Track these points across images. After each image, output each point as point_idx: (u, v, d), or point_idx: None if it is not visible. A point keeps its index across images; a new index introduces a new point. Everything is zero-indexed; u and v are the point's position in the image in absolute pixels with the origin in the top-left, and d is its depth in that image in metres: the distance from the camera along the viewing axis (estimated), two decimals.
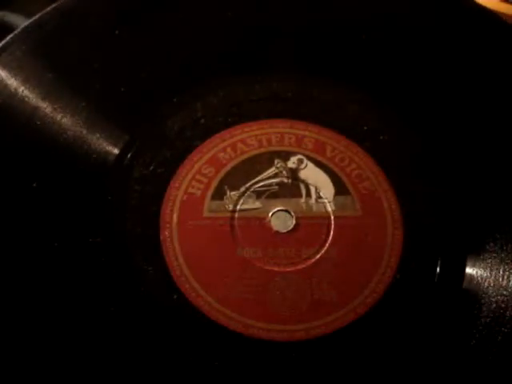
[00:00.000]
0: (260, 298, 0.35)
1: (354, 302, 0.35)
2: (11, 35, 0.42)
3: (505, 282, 0.34)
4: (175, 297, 0.35)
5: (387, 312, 0.35)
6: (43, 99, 0.39)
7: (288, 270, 0.36)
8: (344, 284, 0.35)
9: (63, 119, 0.38)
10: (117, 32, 0.42)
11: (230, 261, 0.36)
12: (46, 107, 0.39)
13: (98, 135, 0.38)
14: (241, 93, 0.41)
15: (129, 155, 0.38)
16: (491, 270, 0.35)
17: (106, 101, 0.40)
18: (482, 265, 0.35)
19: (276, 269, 0.36)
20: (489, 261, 0.35)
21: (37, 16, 0.42)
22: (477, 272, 0.35)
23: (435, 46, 0.42)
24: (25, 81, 0.39)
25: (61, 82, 0.40)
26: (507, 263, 0.35)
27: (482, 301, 0.34)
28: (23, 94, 0.39)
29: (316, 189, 0.38)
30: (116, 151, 0.38)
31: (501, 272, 0.34)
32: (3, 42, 0.41)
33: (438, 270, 0.35)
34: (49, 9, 0.43)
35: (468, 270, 0.35)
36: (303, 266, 0.36)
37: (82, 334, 0.33)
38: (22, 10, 0.52)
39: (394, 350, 0.34)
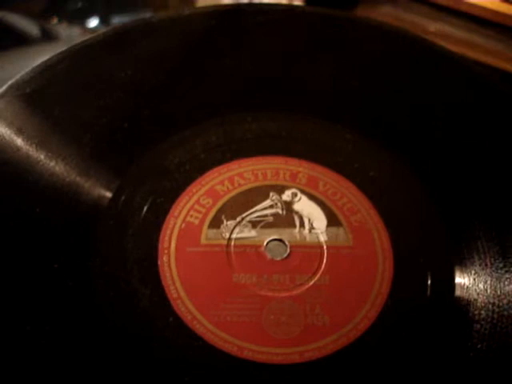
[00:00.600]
0: (255, 322, 0.35)
1: (346, 326, 0.35)
2: (7, 85, 0.43)
3: (493, 289, 0.36)
4: (171, 319, 0.35)
5: (379, 337, 0.35)
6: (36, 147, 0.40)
7: (282, 295, 0.36)
8: (336, 309, 0.36)
9: (56, 167, 0.40)
10: (123, 74, 0.45)
11: (226, 286, 0.36)
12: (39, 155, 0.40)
13: (102, 163, 0.40)
14: (238, 131, 0.43)
15: (131, 186, 0.40)
16: (478, 278, 0.36)
17: (108, 135, 0.42)
18: (469, 275, 0.36)
19: (271, 294, 0.36)
20: (475, 270, 0.36)
21: (33, 66, 0.44)
22: (465, 283, 0.36)
23: (425, 86, 0.45)
24: (19, 129, 0.41)
25: (55, 129, 0.41)
26: (494, 271, 0.36)
27: (475, 314, 0.35)
28: (17, 143, 0.40)
29: (309, 220, 0.39)
30: (118, 182, 0.40)
31: (489, 280, 0.36)
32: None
33: (428, 292, 0.36)
34: (48, 57, 0.45)
35: (457, 281, 0.36)
36: (297, 291, 0.37)
37: (76, 355, 0.34)
38: (21, 10, 0.54)
39: (386, 373, 0.34)
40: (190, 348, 0.34)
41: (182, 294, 0.36)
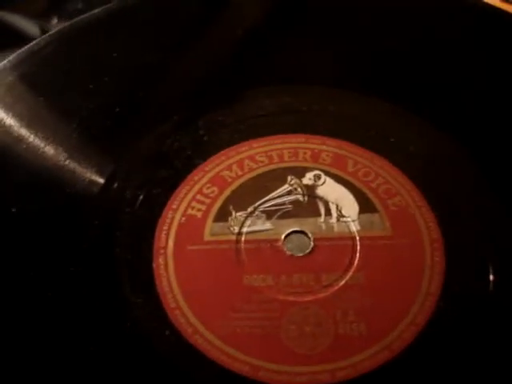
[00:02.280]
0: (272, 335, 0.28)
1: (388, 337, 0.27)
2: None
3: None
4: (168, 333, 0.28)
5: (430, 349, 0.27)
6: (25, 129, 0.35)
7: (306, 299, 0.29)
8: (375, 315, 0.28)
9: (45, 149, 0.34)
10: (115, 55, 0.38)
11: (235, 291, 0.29)
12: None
13: (88, 150, 0.34)
14: (248, 108, 0.36)
15: (121, 175, 0.33)
16: None
17: (99, 119, 0.35)
18: None
19: (291, 299, 0.29)
20: None
21: (31, 44, 0.39)
22: None
23: (461, 47, 0.37)
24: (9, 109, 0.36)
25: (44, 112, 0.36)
26: None
27: None
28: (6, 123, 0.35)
29: (337, 207, 0.32)
30: (107, 171, 0.33)
31: None
32: None
33: (490, 289, 0.28)
34: (44, 36, 0.40)
35: None
36: (324, 294, 0.29)
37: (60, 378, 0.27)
38: (21, 10, 0.50)
39: None
40: (191, 368, 0.27)
41: (182, 302, 0.29)
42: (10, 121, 0.35)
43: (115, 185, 0.33)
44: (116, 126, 0.35)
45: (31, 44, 0.39)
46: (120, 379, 0.27)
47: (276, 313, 0.28)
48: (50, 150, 0.34)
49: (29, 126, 0.35)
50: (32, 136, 0.34)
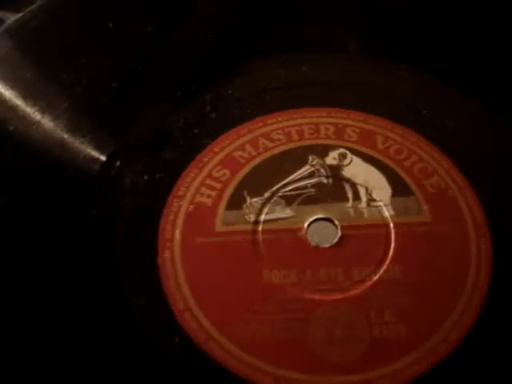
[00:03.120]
0: (298, 339, 0.24)
1: (432, 339, 0.24)
2: None
3: None
4: (177, 340, 0.24)
5: (479, 352, 0.23)
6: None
7: (335, 298, 0.25)
8: (415, 315, 0.24)
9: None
10: (110, 25, 0.34)
11: (253, 289, 0.25)
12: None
13: (82, 136, 0.29)
14: (262, 79, 0.31)
15: (119, 160, 0.29)
16: None
17: (94, 98, 0.31)
18: None
19: (318, 297, 0.25)
20: None
21: (23, 12, 0.35)
22: None
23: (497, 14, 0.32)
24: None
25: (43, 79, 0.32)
26: None
27: None
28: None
29: (367, 190, 0.28)
30: (103, 156, 0.29)
31: None
32: None
33: None
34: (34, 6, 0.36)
35: None
36: (356, 291, 0.25)
37: None
38: (21, 10, 0.46)
39: None
40: (205, 380, 0.23)
41: (192, 303, 0.25)
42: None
43: (113, 171, 0.29)
44: (113, 104, 0.31)
45: (21, 15, 0.35)
46: None
47: (301, 314, 0.24)
48: (39, 130, 0.30)
49: (24, 98, 0.31)
50: (27, 109, 0.30)
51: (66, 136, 0.30)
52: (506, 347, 0.24)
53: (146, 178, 0.28)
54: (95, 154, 0.29)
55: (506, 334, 0.24)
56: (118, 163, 0.29)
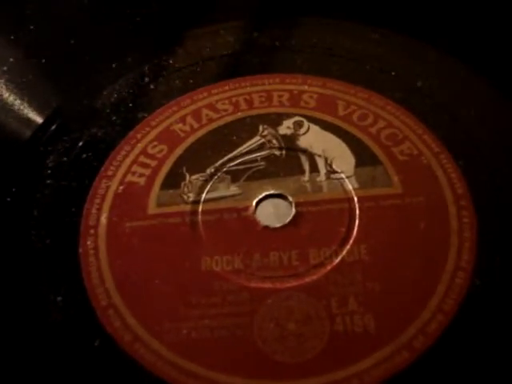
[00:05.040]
0: (241, 337, 0.19)
1: (406, 331, 0.19)
2: None
3: None
4: (97, 343, 0.19)
5: (464, 344, 0.19)
6: None
7: (287, 285, 0.20)
8: (386, 303, 0.19)
9: None
10: None
11: (189, 279, 0.20)
12: None
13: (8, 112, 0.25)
14: (204, 48, 0.27)
15: (43, 139, 0.24)
16: None
17: (22, 72, 0.27)
18: None
19: (267, 286, 0.20)
20: None
21: None
22: None
23: None
24: None
25: None
26: None
27: None
28: None
29: (326, 160, 0.23)
30: (27, 133, 0.24)
31: None
32: None
33: None
34: None
35: None
36: (313, 277, 0.20)
37: None
38: None
39: None
40: None
41: (116, 299, 0.20)
42: None
43: (36, 150, 0.24)
44: (42, 78, 0.27)
45: None
46: None
47: (246, 307, 0.20)
48: None
49: None
50: None
51: None
52: (493, 338, 0.19)
53: (71, 157, 0.24)
54: (18, 131, 0.25)
55: (494, 322, 0.19)
56: (41, 142, 0.24)
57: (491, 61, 0.26)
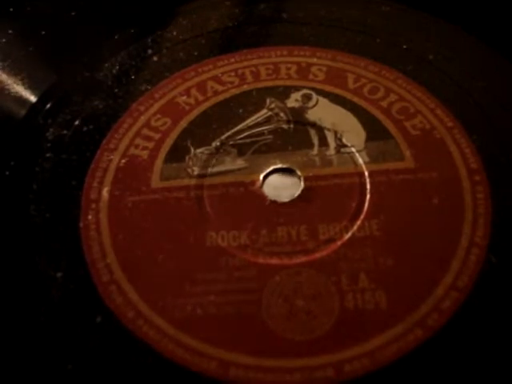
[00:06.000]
0: (249, 315, 0.18)
1: (419, 310, 0.18)
2: None
3: None
4: (99, 320, 0.18)
5: (479, 321, 0.18)
6: None
7: (296, 261, 0.19)
8: (399, 279, 0.19)
9: None
10: None
11: (195, 255, 0.19)
12: None
13: (9, 84, 0.24)
14: (209, 19, 0.26)
15: (43, 111, 0.23)
16: None
17: (23, 45, 0.26)
18: None
19: (275, 261, 0.19)
20: None
21: None
22: None
23: None
24: None
25: None
26: None
27: None
28: None
29: (336, 134, 0.22)
30: (26, 106, 0.23)
31: None
32: None
33: None
34: None
35: None
36: (323, 253, 0.19)
37: None
38: None
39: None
40: (133, 365, 0.18)
41: (118, 274, 0.19)
42: None
43: (36, 121, 0.23)
44: (43, 50, 0.26)
45: None
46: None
47: (253, 283, 0.19)
48: None
49: None
50: None
51: None
52: (508, 314, 0.18)
53: (71, 130, 0.23)
54: (17, 103, 0.24)
55: (509, 299, 0.18)
56: (40, 114, 0.23)
57: (504, 34, 0.25)
